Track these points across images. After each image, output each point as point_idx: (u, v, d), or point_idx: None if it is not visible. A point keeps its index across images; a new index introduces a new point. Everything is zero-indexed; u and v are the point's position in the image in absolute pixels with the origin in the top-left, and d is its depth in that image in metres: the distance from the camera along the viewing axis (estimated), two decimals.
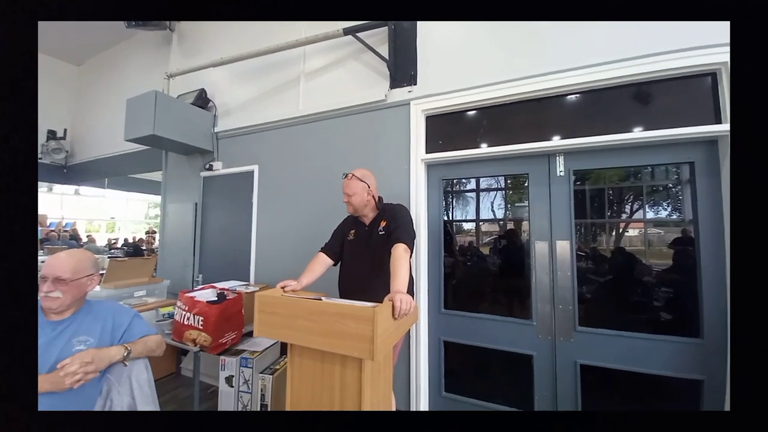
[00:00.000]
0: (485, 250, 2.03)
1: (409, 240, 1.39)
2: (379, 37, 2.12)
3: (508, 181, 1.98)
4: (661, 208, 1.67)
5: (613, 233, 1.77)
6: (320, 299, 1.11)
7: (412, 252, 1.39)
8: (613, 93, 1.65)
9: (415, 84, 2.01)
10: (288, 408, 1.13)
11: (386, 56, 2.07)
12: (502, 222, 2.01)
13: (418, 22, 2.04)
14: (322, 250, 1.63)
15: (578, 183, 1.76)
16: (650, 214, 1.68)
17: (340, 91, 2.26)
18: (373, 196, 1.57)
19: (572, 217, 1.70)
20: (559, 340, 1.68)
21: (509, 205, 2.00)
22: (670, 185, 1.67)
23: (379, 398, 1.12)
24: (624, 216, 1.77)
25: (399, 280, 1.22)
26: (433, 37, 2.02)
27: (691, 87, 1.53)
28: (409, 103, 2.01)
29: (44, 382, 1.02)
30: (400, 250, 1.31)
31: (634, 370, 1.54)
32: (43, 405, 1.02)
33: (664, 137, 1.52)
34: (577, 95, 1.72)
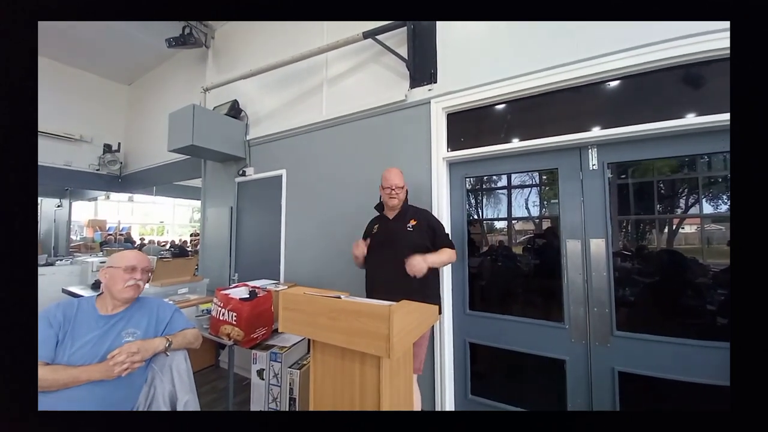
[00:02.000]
0: (518, 250, 1.95)
1: (451, 242, 1.66)
2: (398, 38, 2.13)
3: (544, 177, 1.86)
4: (720, 201, 1.48)
5: (666, 230, 1.60)
6: (339, 297, 1.14)
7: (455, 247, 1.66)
8: (651, 78, 1.52)
9: (435, 82, 1.99)
10: (311, 403, 1.17)
11: (406, 56, 2.07)
12: (537, 220, 1.91)
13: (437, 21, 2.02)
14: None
15: (623, 177, 1.63)
16: (709, 209, 1.49)
17: (361, 95, 2.30)
18: (406, 193, 1.73)
19: (607, 213, 1.59)
20: (594, 344, 1.58)
21: (545, 202, 1.88)
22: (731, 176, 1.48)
23: (399, 397, 1.13)
24: (678, 211, 1.59)
25: (432, 254, 1.53)
26: (453, 33, 1.99)
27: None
28: (430, 102, 2.00)
29: (95, 371, 1.14)
30: (449, 250, 1.61)
31: (681, 380, 1.40)
32: (96, 393, 1.14)
33: (706, 124, 1.37)
34: (609, 83, 1.61)
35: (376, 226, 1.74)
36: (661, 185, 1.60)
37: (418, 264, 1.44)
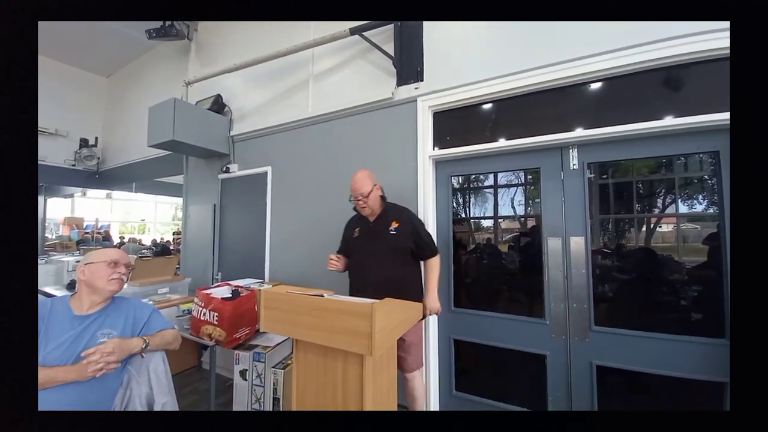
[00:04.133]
0: (504, 248, 1.97)
1: (435, 247, 1.67)
2: (385, 35, 2.12)
3: (528, 176, 1.89)
4: (696, 201, 1.54)
5: (644, 229, 1.65)
6: (322, 295, 1.13)
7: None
8: (630, 80, 1.56)
9: (422, 80, 2.00)
10: (294, 402, 1.16)
11: (392, 54, 2.07)
12: (522, 218, 1.94)
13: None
14: (338, 253, 1.76)
15: (604, 177, 1.67)
16: (685, 208, 1.55)
17: (347, 91, 2.28)
18: (380, 192, 1.65)
19: (587, 212, 1.63)
20: (574, 340, 1.62)
21: (531, 201, 1.91)
22: (706, 177, 1.51)
23: (382, 394, 1.13)
24: (656, 210, 1.65)
25: (431, 282, 1.61)
26: (440, 32, 1.99)
27: (714, 71, 1.42)
28: (416, 100, 2.00)
29: (71, 372, 1.10)
30: (435, 261, 1.65)
31: (655, 372, 1.46)
32: (69, 394, 1.10)
33: (682, 126, 1.43)
34: (591, 84, 1.65)
35: (357, 229, 1.69)
36: (640, 185, 1.65)
37: (436, 307, 1.59)
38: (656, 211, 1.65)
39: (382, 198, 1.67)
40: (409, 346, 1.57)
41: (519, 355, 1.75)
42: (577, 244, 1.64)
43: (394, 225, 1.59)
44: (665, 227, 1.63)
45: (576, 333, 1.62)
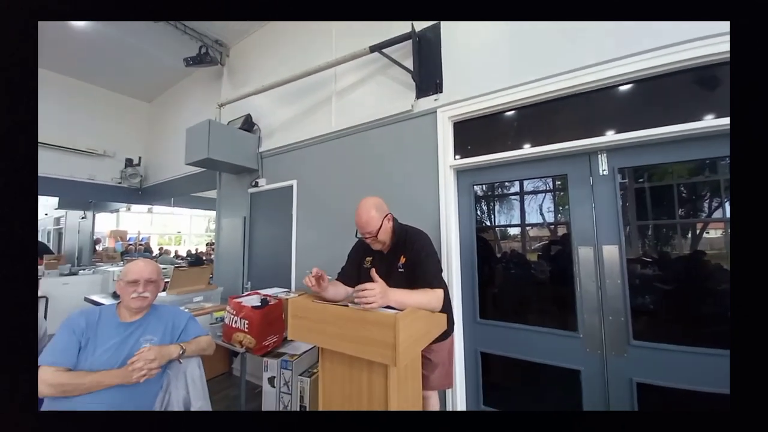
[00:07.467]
0: (533, 257, 1.91)
1: (437, 281, 1.30)
2: (403, 50, 2.18)
3: (557, 182, 1.83)
4: None
5: (689, 235, 1.54)
6: (347, 305, 1.15)
7: (444, 287, 1.32)
8: (661, 82, 1.50)
9: (441, 92, 2.02)
10: (320, 410, 1.17)
11: (411, 68, 2.11)
12: (552, 226, 1.88)
13: (442, 29, 2.07)
14: (339, 277, 1.53)
15: (640, 181, 1.60)
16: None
17: (369, 106, 2.35)
18: (391, 222, 1.43)
19: (620, 218, 1.56)
20: (611, 354, 1.53)
21: (560, 208, 1.84)
22: None
23: (408, 406, 1.12)
24: (702, 215, 1.53)
25: (402, 292, 1.16)
26: (457, 43, 2.02)
27: None
28: (436, 111, 2.03)
29: (116, 377, 1.18)
30: (430, 291, 1.24)
31: (702, 390, 1.34)
32: (114, 397, 1.18)
33: (717, 127, 1.34)
34: (618, 87, 1.60)
35: (368, 259, 1.50)
36: (683, 189, 1.55)
37: (372, 296, 1.05)
38: (702, 215, 1.54)
39: (395, 223, 1.44)
40: (435, 366, 1.45)
41: (550, 370, 1.67)
42: (611, 252, 1.56)
43: (402, 261, 1.37)
44: (713, 233, 1.50)
45: (613, 347, 1.53)
